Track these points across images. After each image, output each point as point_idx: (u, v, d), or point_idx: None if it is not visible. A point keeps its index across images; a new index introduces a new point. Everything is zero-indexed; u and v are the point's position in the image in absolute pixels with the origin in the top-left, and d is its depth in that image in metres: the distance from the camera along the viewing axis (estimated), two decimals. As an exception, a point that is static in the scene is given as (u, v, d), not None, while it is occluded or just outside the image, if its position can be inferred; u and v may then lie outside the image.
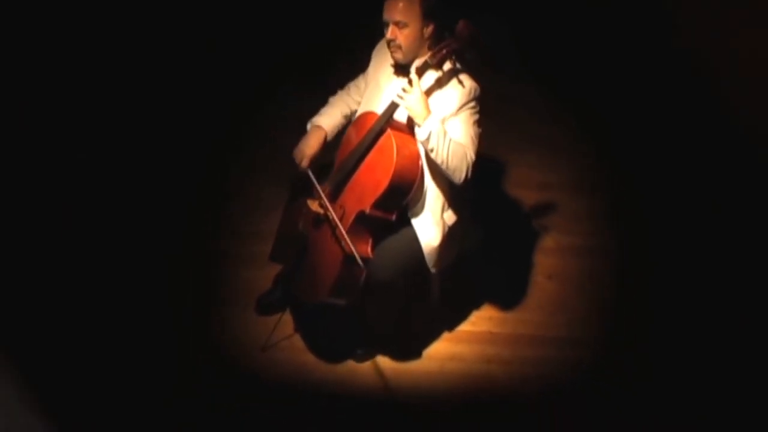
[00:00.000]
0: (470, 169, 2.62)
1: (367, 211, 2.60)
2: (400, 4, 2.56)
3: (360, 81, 2.89)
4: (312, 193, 2.75)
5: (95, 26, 3.92)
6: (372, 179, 2.61)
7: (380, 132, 2.62)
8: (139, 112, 3.80)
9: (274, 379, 2.93)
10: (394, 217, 2.67)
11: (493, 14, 3.70)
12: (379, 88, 2.76)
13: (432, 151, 2.55)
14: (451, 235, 2.78)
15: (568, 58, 4.18)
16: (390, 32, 2.60)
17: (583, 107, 3.98)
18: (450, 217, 2.77)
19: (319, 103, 2.93)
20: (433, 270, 2.81)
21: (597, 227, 3.51)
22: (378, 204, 2.60)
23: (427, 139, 2.53)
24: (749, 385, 2.91)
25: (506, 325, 3.14)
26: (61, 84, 3.76)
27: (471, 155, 2.62)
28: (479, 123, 2.67)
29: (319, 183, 2.72)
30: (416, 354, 3.02)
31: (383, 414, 2.87)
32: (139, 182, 3.56)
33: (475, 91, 2.63)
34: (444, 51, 2.55)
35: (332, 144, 2.84)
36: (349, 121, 2.86)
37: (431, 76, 2.62)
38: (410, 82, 2.55)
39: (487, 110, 2.73)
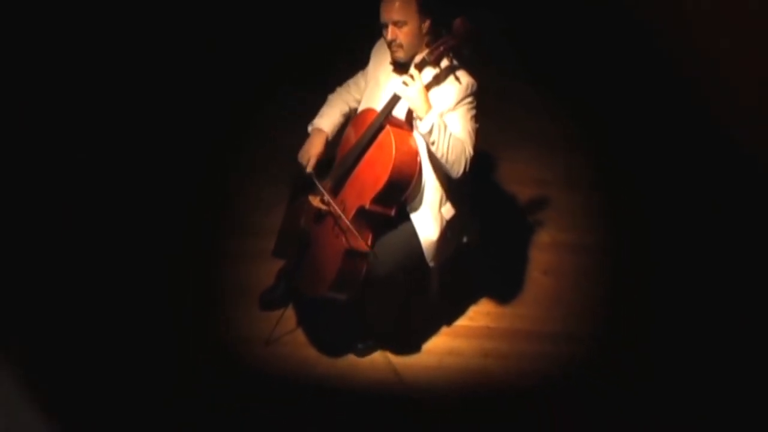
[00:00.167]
0: (468, 163, 2.67)
1: (367, 206, 2.65)
2: (397, 4, 2.60)
3: (360, 79, 2.92)
4: (314, 190, 2.79)
5: (95, 26, 3.92)
6: (372, 175, 2.65)
7: (379, 128, 2.67)
8: (140, 112, 3.81)
9: (278, 374, 2.98)
10: (393, 213, 2.71)
11: (488, 10, 3.75)
12: (378, 87, 2.81)
13: (433, 144, 2.60)
14: (449, 230, 2.83)
15: (564, 55, 4.19)
16: (390, 33, 2.64)
17: (579, 105, 4.00)
18: (448, 211, 2.82)
19: (319, 103, 2.97)
20: (431, 264, 2.85)
21: (592, 224, 3.54)
22: (377, 199, 2.64)
23: (429, 132, 2.58)
24: (745, 379, 2.94)
25: (503, 320, 3.17)
26: (61, 84, 3.78)
27: (469, 150, 2.67)
28: (476, 118, 2.71)
29: (320, 179, 2.77)
30: (416, 348, 3.06)
31: (384, 408, 2.91)
32: (140, 182, 3.57)
33: (472, 86, 2.67)
34: (442, 48, 2.59)
35: (333, 141, 2.89)
36: (349, 119, 2.90)
37: (429, 72, 2.66)
38: (411, 76, 2.59)
39: (485, 107, 2.76)
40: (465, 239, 2.96)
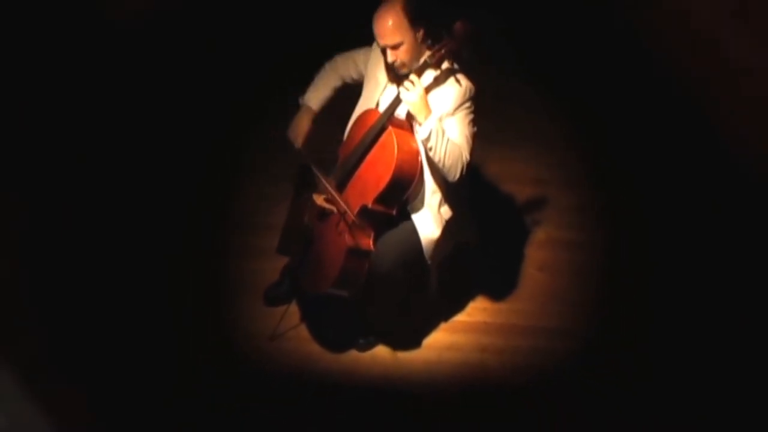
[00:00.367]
0: (465, 168, 2.72)
1: (370, 205, 2.71)
2: (390, 28, 2.62)
3: (362, 57, 2.91)
4: (317, 188, 2.85)
5: (95, 25, 3.84)
6: (374, 175, 2.71)
7: (382, 129, 2.72)
8: (140, 113, 3.77)
9: (281, 368, 3.05)
10: (395, 212, 2.77)
11: (486, 10, 3.79)
12: (378, 86, 2.84)
13: (431, 149, 2.66)
14: (448, 229, 2.89)
15: (562, 55, 4.19)
16: (390, 56, 2.67)
17: (575, 104, 4.01)
18: (447, 211, 2.88)
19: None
20: (429, 262, 2.91)
21: (588, 222, 3.58)
22: (380, 198, 2.71)
23: (428, 138, 2.64)
24: (743, 376, 2.97)
25: (500, 316, 3.23)
26: (61, 84, 3.70)
27: (466, 155, 2.72)
28: (474, 122, 2.76)
29: (323, 176, 2.81)
30: (416, 344, 3.13)
31: (385, 402, 2.98)
32: (140, 182, 3.58)
33: (471, 91, 2.72)
34: (442, 51, 2.63)
35: (331, 135, 2.96)
36: (338, 92, 2.94)
37: (430, 74, 2.70)
38: (412, 82, 2.64)
39: (484, 107, 2.80)
40: (464, 239, 3.02)
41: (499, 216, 3.57)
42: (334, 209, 2.80)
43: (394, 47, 2.65)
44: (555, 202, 3.62)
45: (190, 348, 3.11)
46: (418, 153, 2.74)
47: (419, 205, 2.84)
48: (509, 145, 3.84)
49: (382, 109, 2.81)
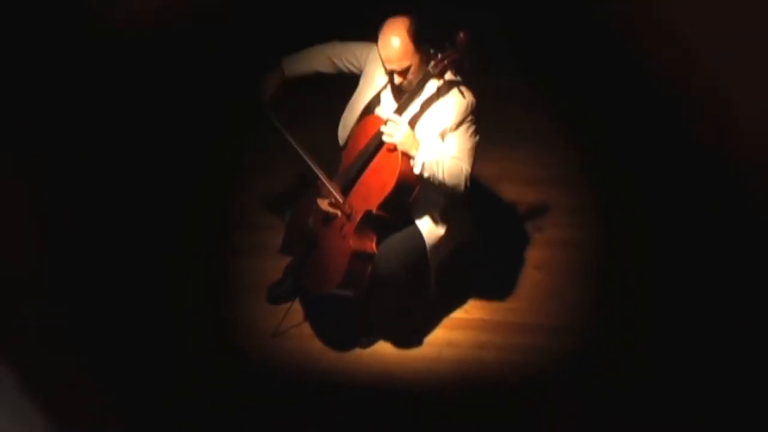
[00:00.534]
0: (467, 180, 2.76)
1: (374, 211, 2.77)
2: (398, 55, 2.63)
3: (360, 51, 2.90)
4: (320, 191, 2.90)
5: (95, 24, 3.85)
6: (378, 181, 2.76)
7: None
8: (140, 113, 3.78)
9: (284, 365, 3.11)
10: (398, 216, 2.83)
11: (486, 10, 3.83)
12: (373, 86, 2.86)
13: (429, 178, 2.70)
14: (448, 230, 2.95)
15: (561, 55, 4.17)
16: (397, 79, 2.69)
17: (571, 103, 4.02)
18: (449, 214, 2.94)
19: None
20: (430, 263, 2.96)
21: (585, 221, 3.60)
22: (384, 205, 2.76)
23: (422, 170, 2.69)
24: (740, 374, 3.00)
25: (497, 313, 3.28)
26: (61, 84, 3.70)
27: (467, 168, 2.75)
28: (476, 132, 2.79)
29: (327, 178, 2.86)
30: (416, 342, 3.20)
31: (385, 398, 3.04)
32: (140, 182, 3.60)
33: (473, 104, 2.75)
34: (446, 62, 2.66)
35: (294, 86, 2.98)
36: (321, 75, 2.95)
37: (433, 85, 2.73)
38: (394, 122, 2.66)
39: (483, 108, 2.81)
40: (464, 239, 3.08)
41: (498, 215, 3.61)
42: (339, 213, 2.85)
43: (402, 72, 2.68)
44: (554, 202, 3.65)
45: (190, 347, 3.15)
46: None
47: (423, 208, 2.89)
48: (509, 145, 3.87)
49: (381, 111, 2.85)
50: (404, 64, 2.66)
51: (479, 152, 2.85)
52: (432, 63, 2.69)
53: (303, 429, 2.97)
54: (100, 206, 3.46)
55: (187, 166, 3.74)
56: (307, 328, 3.22)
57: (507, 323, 3.27)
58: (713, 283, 3.28)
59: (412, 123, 2.76)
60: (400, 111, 2.74)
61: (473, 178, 2.85)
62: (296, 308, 3.24)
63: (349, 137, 2.92)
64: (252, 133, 3.83)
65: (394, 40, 2.63)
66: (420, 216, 2.90)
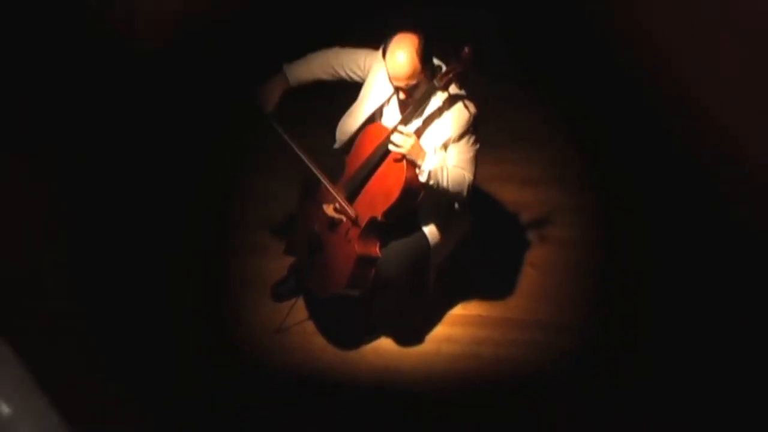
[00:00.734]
0: (470, 188, 2.84)
1: (379, 218, 2.84)
2: (408, 74, 2.66)
3: (363, 59, 2.91)
4: (325, 197, 2.96)
5: (95, 24, 3.80)
6: (384, 189, 2.81)
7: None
8: (140, 113, 3.78)
9: (286, 360, 3.18)
10: (401, 222, 2.90)
11: (486, 10, 3.86)
12: (380, 97, 2.88)
13: (435, 186, 2.76)
14: (449, 232, 3.03)
15: (561, 55, 4.20)
16: (403, 95, 2.73)
17: (570, 104, 4.05)
18: (451, 217, 3.01)
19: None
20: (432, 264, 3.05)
21: (585, 221, 3.66)
22: (389, 212, 2.82)
23: (428, 179, 2.75)
24: (738, 371, 3.06)
25: (495, 310, 3.36)
26: (61, 84, 3.65)
27: (469, 176, 2.82)
28: (477, 140, 2.85)
29: (332, 184, 2.92)
30: (417, 340, 3.27)
31: (385, 393, 3.12)
32: (140, 182, 3.63)
33: (476, 117, 2.80)
34: (450, 75, 2.71)
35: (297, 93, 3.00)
36: (322, 82, 2.96)
37: (439, 98, 2.77)
38: (401, 133, 2.70)
39: (483, 108, 2.85)
40: (462, 233, 3.13)
41: (497, 215, 3.67)
42: (344, 218, 2.91)
43: (410, 88, 2.72)
44: (545, 201, 3.71)
45: (190, 347, 3.21)
46: None
47: (427, 216, 2.95)
48: (508, 146, 3.92)
49: (385, 121, 2.90)
50: (412, 83, 2.70)
51: (479, 155, 2.90)
52: (437, 76, 2.73)
53: (303, 424, 3.03)
54: (100, 206, 3.49)
55: (187, 166, 3.78)
56: (309, 325, 3.28)
57: (504, 320, 3.34)
58: (713, 283, 3.33)
59: (417, 133, 2.80)
60: (404, 122, 2.78)
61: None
62: (299, 305, 3.30)
63: (353, 145, 2.96)
64: (252, 133, 3.84)
65: (404, 60, 2.65)
66: (423, 220, 2.96)
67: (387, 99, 2.89)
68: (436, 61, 2.78)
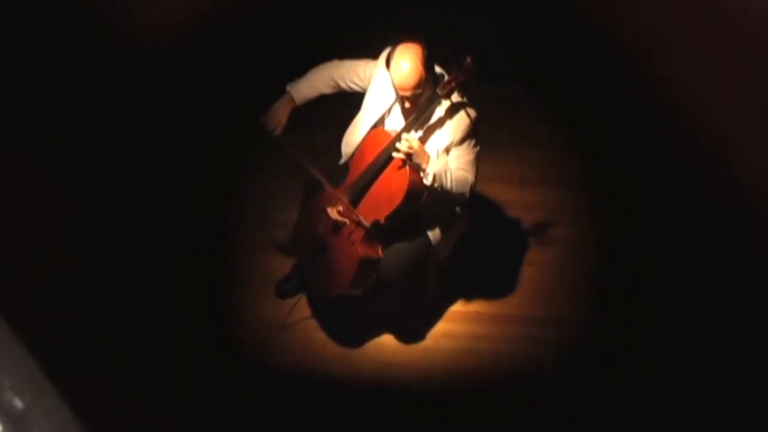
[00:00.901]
0: (472, 190, 2.89)
1: (383, 221, 2.88)
2: (413, 84, 2.68)
3: (363, 69, 2.93)
4: (330, 200, 2.98)
5: (95, 24, 3.79)
6: (387, 194, 2.85)
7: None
8: (140, 113, 3.76)
9: (286, 360, 3.23)
10: (403, 224, 2.94)
11: (486, 10, 3.89)
12: (384, 105, 2.91)
13: (439, 188, 2.80)
14: (449, 232, 3.07)
15: (560, 55, 4.19)
16: (408, 103, 2.77)
17: (570, 104, 4.07)
18: (452, 218, 3.05)
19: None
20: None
21: (584, 221, 3.71)
22: (392, 216, 2.87)
23: (433, 182, 2.79)
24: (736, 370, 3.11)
25: (492, 306, 3.42)
26: (61, 84, 3.64)
27: (471, 178, 2.87)
28: (478, 143, 2.88)
29: (334, 187, 2.94)
30: (418, 337, 3.33)
31: (385, 387, 3.18)
32: (140, 182, 3.65)
33: (477, 122, 2.84)
34: (453, 83, 2.75)
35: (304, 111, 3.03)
36: (325, 97, 2.98)
37: (443, 106, 2.80)
38: (406, 140, 2.72)
39: (482, 108, 2.87)
40: (461, 231, 3.17)
41: (497, 215, 3.71)
42: (347, 221, 2.95)
43: (415, 97, 2.75)
44: (542, 201, 3.76)
45: (190, 347, 3.24)
46: None
47: (429, 218, 3.00)
48: (508, 147, 3.95)
49: (389, 127, 2.93)
50: (418, 91, 2.72)
51: (479, 157, 2.94)
52: (440, 85, 2.76)
53: (303, 424, 3.08)
54: (100, 206, 3.50)
55: (187, 166, 3.80)
56: (311, 322, 3.33)
57: (502, 315, 3.40)
58: (713, 283, 3.37)
59: (420, 140, 2.83)
60: (408, 129, 2.81)
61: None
62: (302, 302, 3.35)
63: (356, 149, 2.99)
64: (252, 133, 3.67)
65: (409, 70, 2.67)
66: (425, 222, 3.00)
67: (389, 108, 2.91)
68: (437, 69, 2.81)
